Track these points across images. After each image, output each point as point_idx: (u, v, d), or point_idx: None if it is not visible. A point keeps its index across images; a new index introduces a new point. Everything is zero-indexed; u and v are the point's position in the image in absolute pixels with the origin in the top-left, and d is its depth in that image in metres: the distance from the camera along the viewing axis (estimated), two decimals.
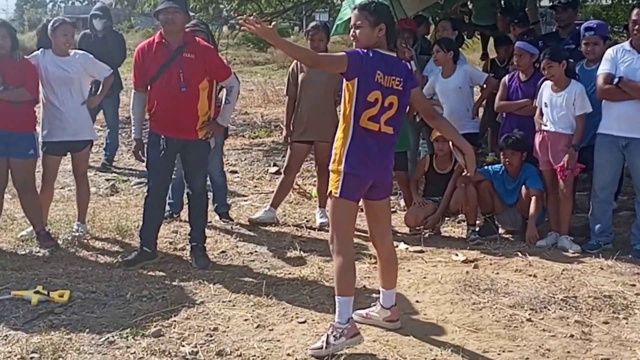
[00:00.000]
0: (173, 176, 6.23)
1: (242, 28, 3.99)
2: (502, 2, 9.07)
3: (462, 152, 4.09)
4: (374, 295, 4.59)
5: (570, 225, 6.01)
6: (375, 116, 3.85)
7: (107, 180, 8.37)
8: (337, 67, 3.84)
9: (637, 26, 5.48)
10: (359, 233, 5.28)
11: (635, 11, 5.53)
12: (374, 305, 4.28)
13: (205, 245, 5.54)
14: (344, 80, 3.86)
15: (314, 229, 6.47)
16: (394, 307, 4.20)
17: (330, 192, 3.90)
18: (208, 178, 6.03)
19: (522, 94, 6.32)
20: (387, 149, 3.97)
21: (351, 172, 3.84)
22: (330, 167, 3.94)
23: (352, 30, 3.92)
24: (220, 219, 6.63)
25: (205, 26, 6.44)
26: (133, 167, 9.08)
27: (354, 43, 3.92)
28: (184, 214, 6.64)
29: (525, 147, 6.08)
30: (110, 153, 9.15)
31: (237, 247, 5.89)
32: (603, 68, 5.63)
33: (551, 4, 7.48)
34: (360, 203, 4.06)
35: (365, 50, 3.84)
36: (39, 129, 5.77)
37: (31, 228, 5.80)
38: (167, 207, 6.47)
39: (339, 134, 3.90)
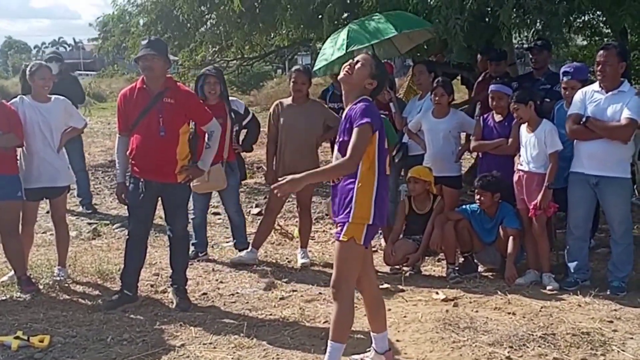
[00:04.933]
0: (192, 216, 6.67)
1: None
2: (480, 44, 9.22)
3: None
4: (357, 336, 4.61)
5: (550, 263, 6.08)
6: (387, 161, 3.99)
7: (89, 223, 8.37)
8: (369, 139, 3.80)
9: (600, 67, 5.60)
10: None
11: (599, 53, 5.67)
12: (369, 350, 4.27)
13: (186, 287, 5.56)
14: None
15: (296, 270, 6.50)
16: (388, 352, 4.20)
17: (352, 238, 3.82)
18: (226, 216, 6.19)
19: (497, 133, 6.43)
20: None
21: (376, 223, 3.88)
22: (352, 218, 3.82)
23: (349, 63, 3.92)
24: (239, 252, 6.73)
25: (216, 71, 6.77)
26: (116, 209, 9.09)
27: (342, 73, 3.91)
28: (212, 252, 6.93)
29: (497, 188, 6.16)
30: (84, 197, 9.08)
31: (219, 288, 5.90)
32: (572, 109, 5.75)
33: (530, 46, 7.63)
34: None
35: (369, 104, 3.87)
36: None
37: (12, 273, 5.80)
38: (192, 247, 6.60)
39: (361, 188, 3.82)
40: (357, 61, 3.91)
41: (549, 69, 7.57)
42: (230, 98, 6.80)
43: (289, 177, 3.82)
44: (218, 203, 9.39)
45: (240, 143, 6.88)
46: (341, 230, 3.85)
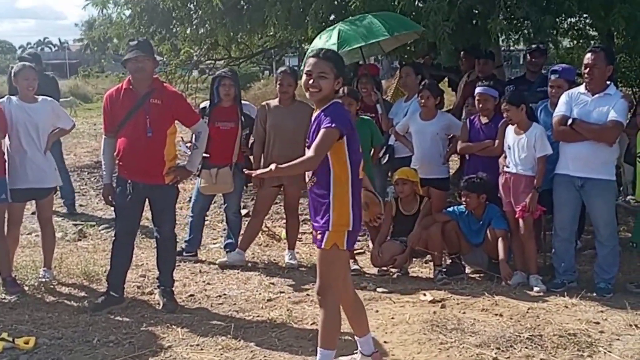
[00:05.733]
0: (190, 214, 6.85)
1: None
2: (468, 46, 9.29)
3: None
4: (344, 338, 4.59)
5: (537, 264, 6.10)
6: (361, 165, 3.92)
7: (75, 225, 8.32)
8: (334, 142, 3.74)
9: (588, 70, 5.63)
10: None
11: (587, 55, 5.70)
12: (356, 353, 4.24)
13: (173, 288, 5.53)
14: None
15: (283, 271, 6.49)
16: (376, 353, 4.18)
17: (335, 245, 3.78)
18: (212, 218, 6.21)
19: (483, 135, 6.44)
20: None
21: (356, 229, 3.85)
22: (331, 227, 3.77)
23: (310, 79, 3.79)
24: (227, 254, 6.72)
25: (232, 73, 6.81)
26: (102, 210, 9.04)
27: (309, 91, 3.82)
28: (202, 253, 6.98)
29: (483, 190, 6.19)
30: (67, 198, 9.01)
31: (206, 290, 5.88)
32: (558, 111, 5.77)
33: (531, 48, 7.64)
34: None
35: (339, 107, 3.82)
36: None
37: None
38: (184, 244, 6.66)
39: (337, 194, 3.78)
40: (320, 73, 3.77)
41: (542, 72, 7.62)
42: (242, 102, 6.81)
43: (262, 171, 3.81)
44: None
45: (249, 146, 6.87)
46: (322, 238, 3.81)
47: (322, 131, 3.72)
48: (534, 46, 7.60)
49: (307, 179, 3.92)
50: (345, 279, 4.09)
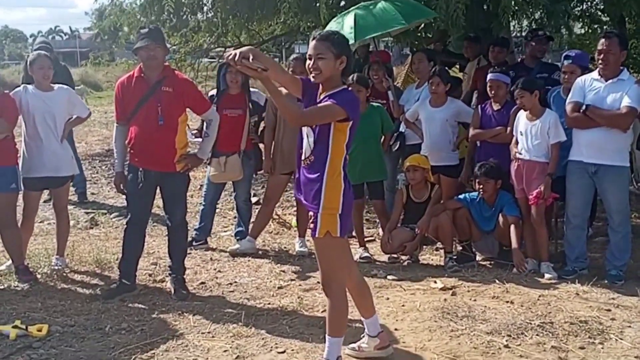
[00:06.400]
0: (202, 203, 6.89)
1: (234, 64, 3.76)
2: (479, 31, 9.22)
3: None
4: (355, 325, 4.60)
5: (549, 252, 6.08)
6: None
7: (87, 213, 8.36)
8: (332, 120, 3.69)
9: (602, 55, 5.59)
10: None
11: (601, 41, 5.66)
12: (363, 336, 4.25)
13: (184, 276, 5.55)
14: (333, 122, 3.70)
15: (294, 259, 6.50)
16: (382, 333, 4.20)
17: (328, 232, 3.75)
18: (223, 206, 6.19)
19: (495, 122, 6.42)
20: None
21: (345, 214, 3.81)
22: (322, 211, 3.74)
23: (311, 62, 3.72)
24: (237, 242, 6.74)
25: None
26: (113, 198, 9.08)
27: (312, 74, 3.75)
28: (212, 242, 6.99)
29: (499, 175, 6.16)
30: (78, 187, 9.03)
31: (217, 277, 5.90)
32: (571, 97, 5.74)
33: (538, 35, 7.57)
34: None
35: (350, 91, 3.79)
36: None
37: (10, 262, 5.79)
38: (194, 233, 6.67)
39: (330, 179, 3.73)
40: (317, 55, 3.70)
41: (539, 58, 7.59)
42: (251, 89, 6.79)
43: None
44: None
45: (259, 134, 6.87)
46: (315, 227, 3.79)
47: (327, 102, 3.67)
48: (540, 32, 7.54)
49: (302, 157, 3.86)
50: (349, 264, 4.07)
